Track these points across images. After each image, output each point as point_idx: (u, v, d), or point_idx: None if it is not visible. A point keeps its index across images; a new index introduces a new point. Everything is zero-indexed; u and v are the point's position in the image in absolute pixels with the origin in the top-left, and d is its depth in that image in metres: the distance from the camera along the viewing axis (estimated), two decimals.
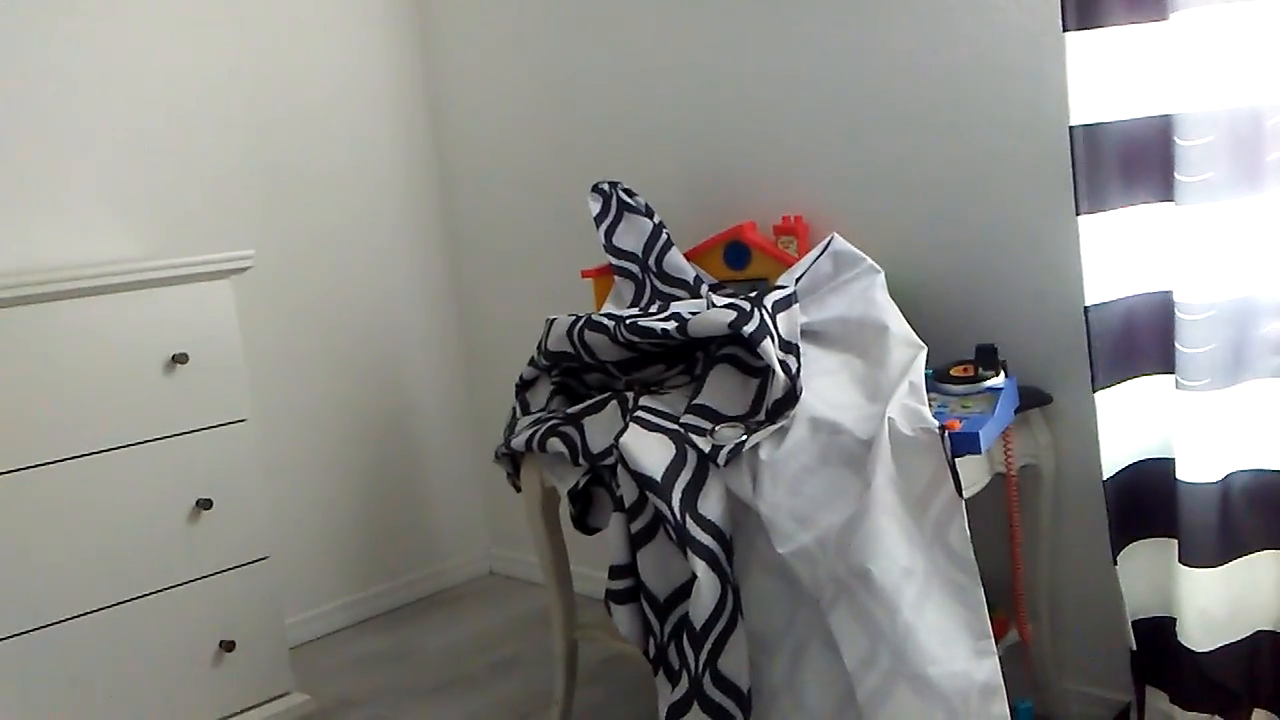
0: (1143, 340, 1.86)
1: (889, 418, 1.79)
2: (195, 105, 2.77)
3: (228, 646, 2.41)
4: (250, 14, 2.87)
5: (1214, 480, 1.77)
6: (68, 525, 2.20)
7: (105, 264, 2.38)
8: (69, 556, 2.20)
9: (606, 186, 2.44)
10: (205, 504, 2.37)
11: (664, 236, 2.40)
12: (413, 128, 3.21)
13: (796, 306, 2.04)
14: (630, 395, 2.06)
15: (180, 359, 2.33)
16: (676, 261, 2.37)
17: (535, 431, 2.11)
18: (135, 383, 2.28)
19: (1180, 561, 1.80)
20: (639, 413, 1.98)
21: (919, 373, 1.92)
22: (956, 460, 1.75)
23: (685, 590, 1.87)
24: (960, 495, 1.74)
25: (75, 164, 2.58)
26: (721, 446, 1.88)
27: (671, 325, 1.99)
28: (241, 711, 2.45)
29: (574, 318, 2.14)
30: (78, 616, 2.22)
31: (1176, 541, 1.81)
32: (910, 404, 1.83)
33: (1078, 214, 1.82)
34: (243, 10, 2.85)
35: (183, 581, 2.36)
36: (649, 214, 2.43)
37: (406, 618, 3.11)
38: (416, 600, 3.22)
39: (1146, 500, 1.90)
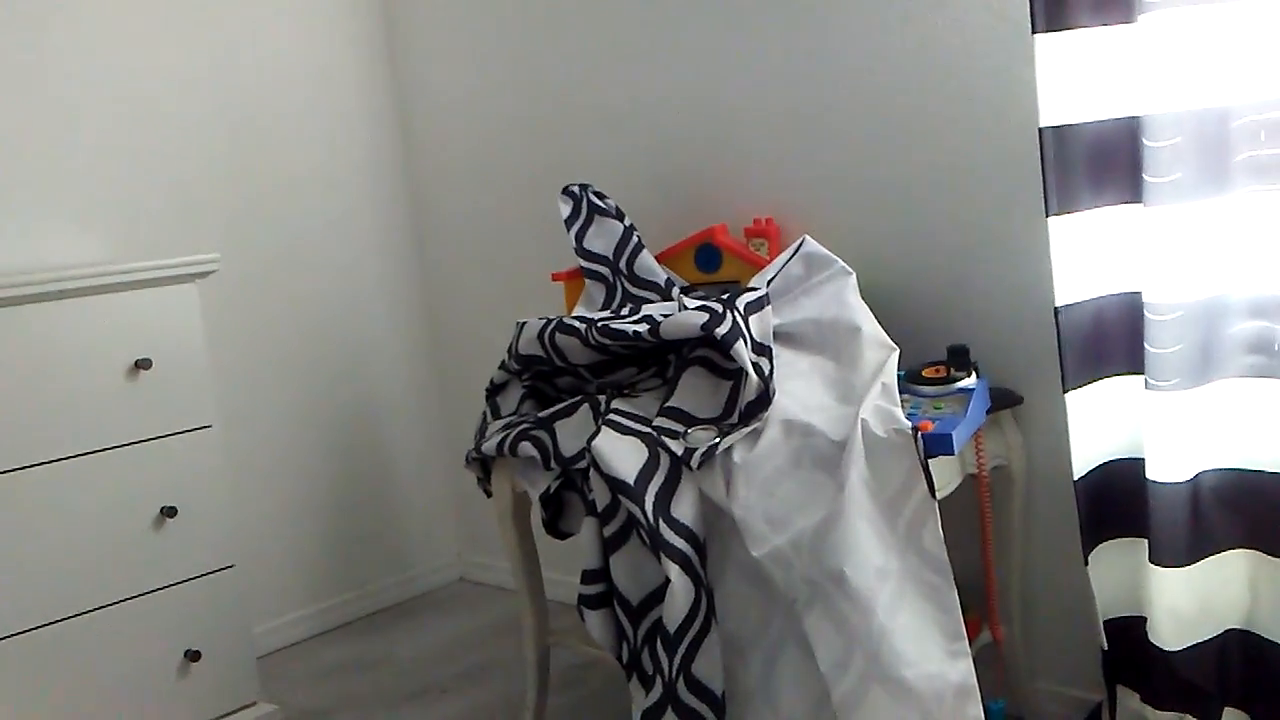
0: (1112, 341, 1.87)
1: (862, 419, 1.79)
2: (159, 107, 2.73)
3: (193, 656, 2.37)
4: (215, 16, 2.83)
5: (1183, 480, 1.78)
6: (28, 534, 2.16)
7: (67, 267, 2.34)
8: (29, 565, 2.16)
9: (577, 189, 2.43)
10: (170, 512, 2.33)
11: (635, 239, 2.39)
12: (380, 130, 3.19)
13: (769, 308, 2.04)
14: (602, 398, 2.05)
15: (144, 364, 2.29)
16: (648, 264, 2.36)
17: (506, 436, 2.10)
18: (98, 388, 2.24)
19: (1150, 561, 1.81)
20: (611, 416, 1.97)
21: (891, 374, 1.92)
22: (929, 461, 1.75)
23: (659, 594, 1.86)
24: (933, 496, 1.74)
25: (36, 166, 2.54)
26: (694, 449, 1.87)
27: (643, 328, 1.98)
28: None
29: (545, 321, 2.12)
30: (39, 627, 2.17)
31: (1147, 541, 1.82)
32: (883, 405, 1.83)
33: (1047, 215, 1.83)
34: (208, 13, 2.82)
35: (147, 590, 2.32)
36: (620, 217, 2.42)
37: (376, 626, 3.08)
38: (386, 608, 3.19)
39: (1117, 500, 1.91)
